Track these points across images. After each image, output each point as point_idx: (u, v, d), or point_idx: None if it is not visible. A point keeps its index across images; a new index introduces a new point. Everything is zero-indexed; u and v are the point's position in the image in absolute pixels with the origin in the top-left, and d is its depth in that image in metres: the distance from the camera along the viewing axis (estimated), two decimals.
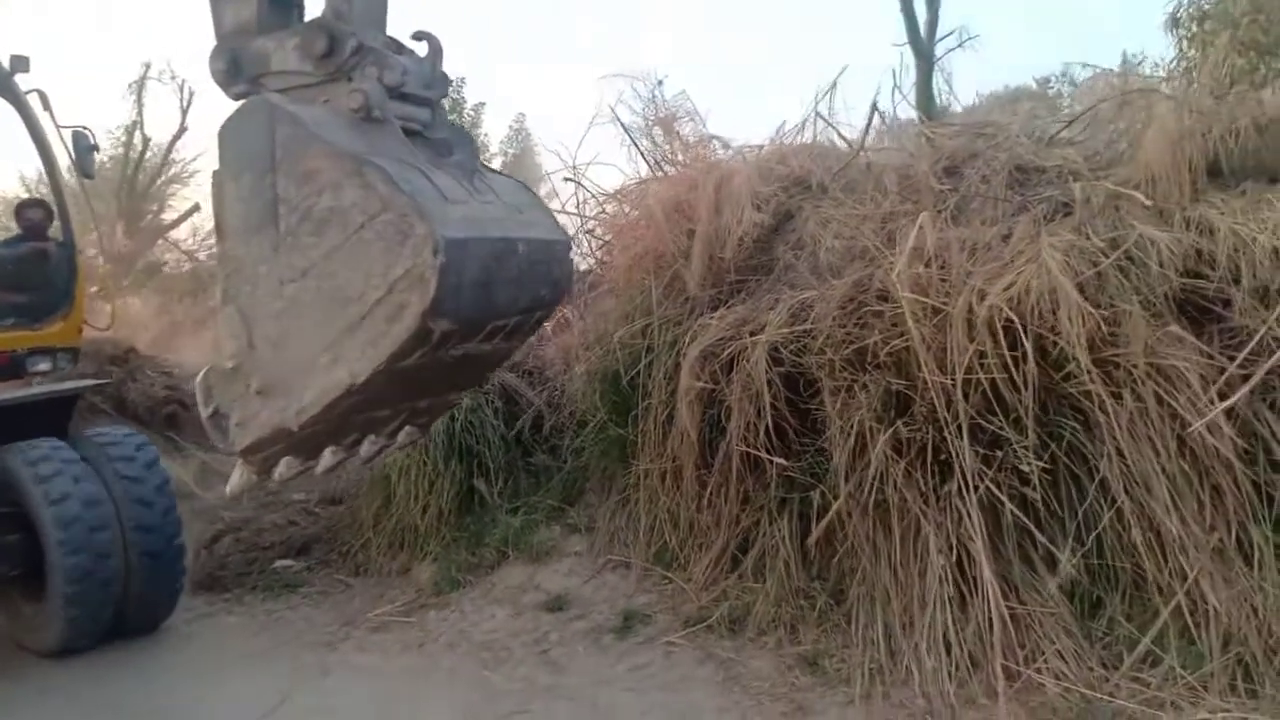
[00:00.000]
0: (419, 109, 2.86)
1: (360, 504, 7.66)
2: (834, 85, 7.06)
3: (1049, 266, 4.31)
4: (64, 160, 6.87)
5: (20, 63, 6.49)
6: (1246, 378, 4.17)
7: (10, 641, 5.99)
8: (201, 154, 22.53)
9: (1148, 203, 4.45)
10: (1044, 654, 4.30)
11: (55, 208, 7.00)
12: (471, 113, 23.06)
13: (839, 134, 6.99)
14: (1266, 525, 4.15)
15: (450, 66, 3.01)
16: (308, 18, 2.92)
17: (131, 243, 18.58)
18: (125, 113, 21.51)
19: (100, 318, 7.48)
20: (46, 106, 6.54)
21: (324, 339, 2.57)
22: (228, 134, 2.68)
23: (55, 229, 6.99)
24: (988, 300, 4.51)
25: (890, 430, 4.80)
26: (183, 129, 21.55)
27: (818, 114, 7.06)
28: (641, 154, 8.56)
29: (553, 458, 7.20)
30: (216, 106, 2.89)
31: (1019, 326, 4.48)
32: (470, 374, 3.21)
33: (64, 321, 6.61)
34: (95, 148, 6.97)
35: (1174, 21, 9.97)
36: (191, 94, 21.24)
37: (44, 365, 6.52)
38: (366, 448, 2.98)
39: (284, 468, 2.84)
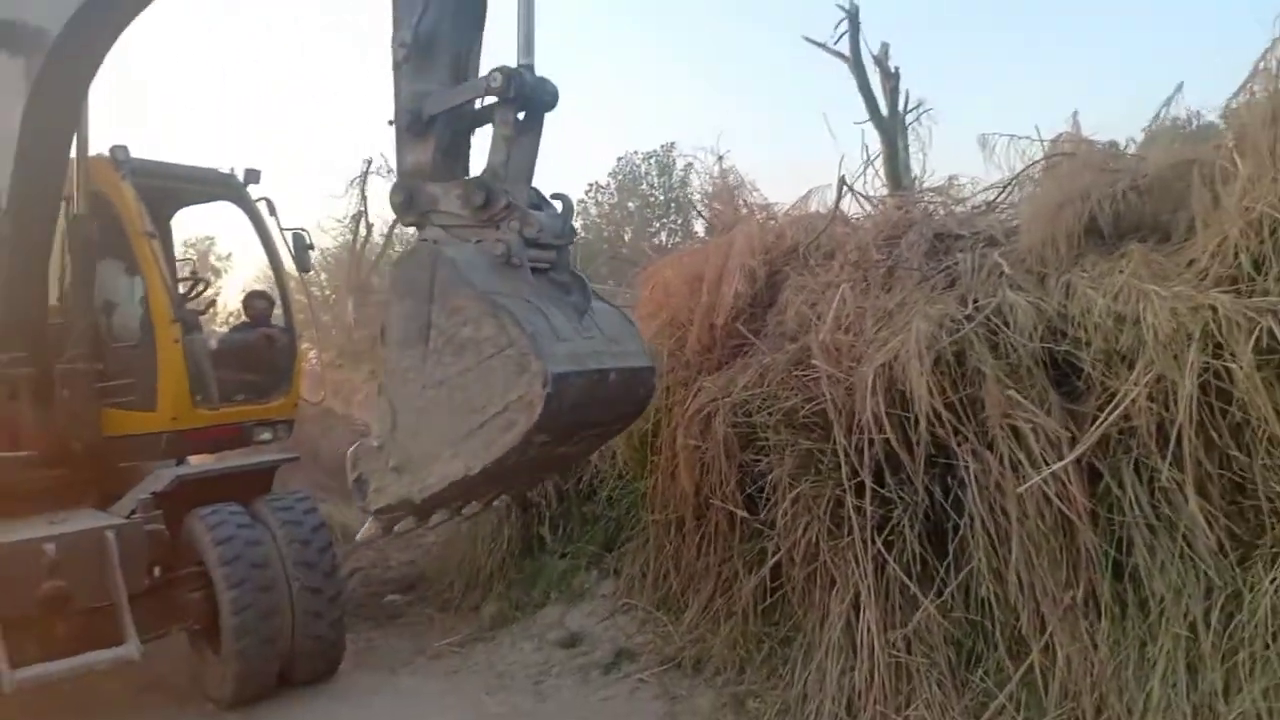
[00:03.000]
0: (550, 253, 3.55)
1: (450, 548, 8.77)
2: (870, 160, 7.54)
3: (913, 335, 4.60)
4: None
5: (253, 175, 7.53)
6: (1105, 438, 4.24)
7: (200, 693, 6.36)
8: None
9: (1009, 270, 4.61)
10: (915, 703, 4.53)
11: (279, 298, 7.97)
12: (681, 172, 25.27)
13: (859, 199, 7.38)
14: (1113, 582, 4.17)
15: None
16: (472, 167, 3.80)
17: (360, 316, 21.30)
18: (347, 205, 24.96)
19: (316, 392, 8.56)
20: (273, 212, 7.52)
21: (450, 436, 3.24)
22: (402, 267, 3.57)
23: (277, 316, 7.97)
24: (872, 366, 4.84)
25: (800, 487, 5.19)
26: None
27: (842, 180, 7.49)
28: (708, 222, 9.28)
29: (600, 506, 7.95)
30: None
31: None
32: (558, 466, 4.33)
33: (284, 397, 7.47)
34: (311, 246, 7.94)
35: None
36: None
37: (266, 435, 7.32)
38: (468, 509, 3.92)
39: (403, 526, 3.68)
